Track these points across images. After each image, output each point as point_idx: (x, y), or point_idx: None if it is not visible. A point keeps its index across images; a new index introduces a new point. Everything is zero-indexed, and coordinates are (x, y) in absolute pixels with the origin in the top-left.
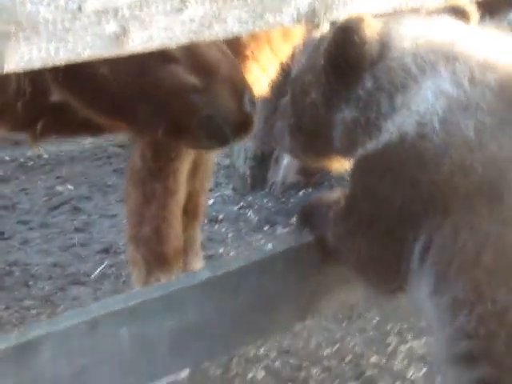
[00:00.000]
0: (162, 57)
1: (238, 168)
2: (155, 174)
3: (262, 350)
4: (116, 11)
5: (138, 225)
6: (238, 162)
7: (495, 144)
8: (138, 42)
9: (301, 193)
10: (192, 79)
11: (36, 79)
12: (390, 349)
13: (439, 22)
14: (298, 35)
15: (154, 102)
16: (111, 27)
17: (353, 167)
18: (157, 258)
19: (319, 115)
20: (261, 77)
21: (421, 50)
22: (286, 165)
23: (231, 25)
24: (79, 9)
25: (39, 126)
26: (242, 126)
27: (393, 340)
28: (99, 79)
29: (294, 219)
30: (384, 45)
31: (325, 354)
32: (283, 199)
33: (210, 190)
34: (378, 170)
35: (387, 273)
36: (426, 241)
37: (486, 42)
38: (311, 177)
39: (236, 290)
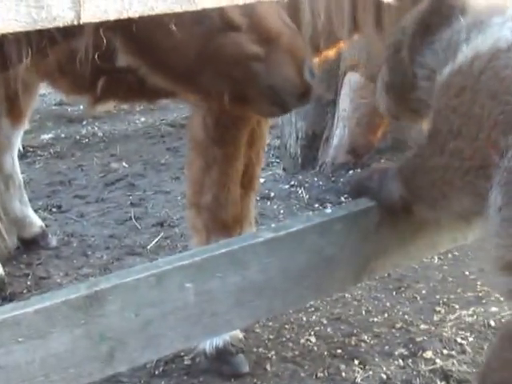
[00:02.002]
0: (225, 24)
1: (289, 148)
2: (217, 141)
3: (313, 317)
4: None
5: (199, 191)
6: (288, 142)
7: None
8: None
9: (350, 172)
10: (254, 48)
11: (101, 45)
12: (438, 317)
13: None
14: None
15: (217, 69)
16: None
17: (435, 94)
18: (217, 224)
19: (407, 68)
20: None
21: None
22: (336, 145)
23: None
24: None
25: (99, 87)
26: (303, 94)
27: (441, 309)
28: (167, 43)
29: (343, 197)
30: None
31: (375, 321)
32: (333, 178)
33: (262, 169)
34: (456, 87)
35: (479, 176)
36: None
37: None
38: (360, 157)
39: (297, 250)
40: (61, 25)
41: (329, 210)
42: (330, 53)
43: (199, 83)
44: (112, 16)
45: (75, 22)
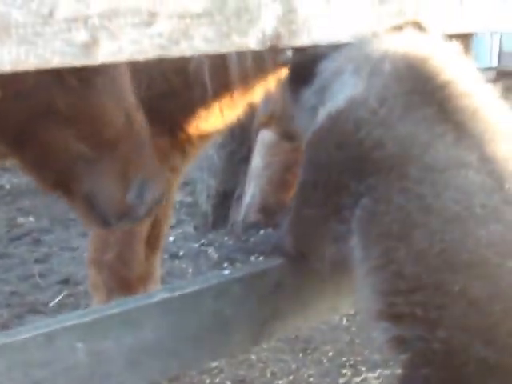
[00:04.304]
0: (51, 108)
1: (201, 205)
2: None
3: (217, 379)
4: (86, 20)
5: (102, 249)
6: (200, 200)
7: (401, 123)
8: (108, 52)
9: (261, 232)
10: (79, 146)
11: None
12: (344, 380)
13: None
14: None
15: (39, 152)
16: (81, 35)
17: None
18: (119, 283)
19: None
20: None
21: (338, 61)
22: (247, 204)
23: (198, 43)
24: (50, 14)
25: None
26: (121, 214)
27: (347, 372)
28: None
29: (253, 257)
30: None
31: (279, 383)
32: (244, 238)
33: (172, 227)
34: (312, 143)
35: (338, 221)
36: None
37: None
38: (271, 217)
39: (192, 311)
40: None
41: (226, 272)
42: (259, 91)
43: (26, 158)
44: (6, 68)
45: None
